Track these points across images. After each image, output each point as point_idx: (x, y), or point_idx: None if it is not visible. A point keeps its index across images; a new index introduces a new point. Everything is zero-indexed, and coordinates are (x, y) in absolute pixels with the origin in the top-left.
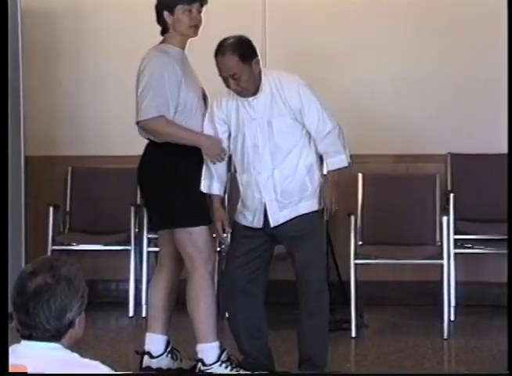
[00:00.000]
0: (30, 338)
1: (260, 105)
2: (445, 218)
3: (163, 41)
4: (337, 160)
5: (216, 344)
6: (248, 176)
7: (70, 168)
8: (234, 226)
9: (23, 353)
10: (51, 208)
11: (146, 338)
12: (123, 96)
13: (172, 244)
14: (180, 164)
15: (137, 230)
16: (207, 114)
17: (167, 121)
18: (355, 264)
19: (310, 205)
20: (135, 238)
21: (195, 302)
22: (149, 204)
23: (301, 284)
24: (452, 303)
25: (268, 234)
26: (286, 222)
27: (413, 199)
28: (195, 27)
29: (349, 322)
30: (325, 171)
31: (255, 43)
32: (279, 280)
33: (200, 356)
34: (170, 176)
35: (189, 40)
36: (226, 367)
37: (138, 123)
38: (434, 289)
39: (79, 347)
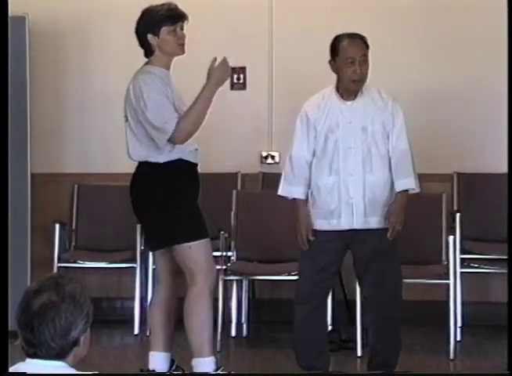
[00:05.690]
0: (35, 356)
1: (359, 109)
2: (451, 238)
3: (147, 63)
4: (406, 182)
5: (211, 359)
6: (335, 179)
7: (76, 186)
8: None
9: (28, 372)
10: (57, 226)
11: (149, 356)
12: None
13: (168, 258)
14: (174, 180)
15: (142, 248)
16: (298, 120)
17: (178, 122)
18: None
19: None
20: (141, 256)
21: (190, 317)
22: (145, 224)
23: (373, 298)
24: (459, 323)
25: (346, 243)
26: (369, 231)
27: (419, 218)
28: (182, 45)
29: (355, 341)
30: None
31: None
32: (286, 298)
33: (194, 370)
34: (165, 194)
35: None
36: None
37: (169, 140)
38: (440, 309)
39: (84, 365)
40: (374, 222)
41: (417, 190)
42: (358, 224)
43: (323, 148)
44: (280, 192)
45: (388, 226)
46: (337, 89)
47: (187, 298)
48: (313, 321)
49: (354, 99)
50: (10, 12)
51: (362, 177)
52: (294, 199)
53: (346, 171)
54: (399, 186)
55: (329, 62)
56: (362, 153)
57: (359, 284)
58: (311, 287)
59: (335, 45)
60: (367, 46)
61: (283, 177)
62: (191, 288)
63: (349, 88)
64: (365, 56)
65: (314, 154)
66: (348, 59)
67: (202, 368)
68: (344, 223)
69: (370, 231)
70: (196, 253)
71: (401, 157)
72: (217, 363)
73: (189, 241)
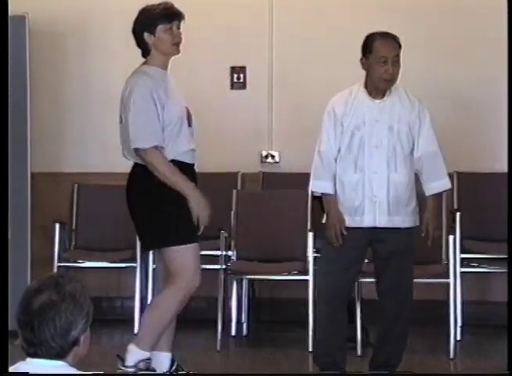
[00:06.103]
0: (35, 355)
1: (386, 108)
2: (451, 237)
3: (144, 63)
4: (441, 184)
5: (145, 354)
6: (360, 176)
7: (75, 185)
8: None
9: (28, 371)
10: (57, 225)
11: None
12: None
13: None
14: (166, 184)
15: None
16: (326, 115)
17: (161, 157)
18: (361, 282)
19: (413, 221)
20: (141, 255)
21: (151, 309)
22: (138, 225)
23: (389, 296)
24: (459, 323)
25: (369, 240)
26: (392, 230)
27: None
28: (177, 45)
29: (355, 340)
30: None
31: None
32: (286, 298)
33: (127, 353)
34: (157, 195)
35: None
36: None
37: (135, 150)
38: (441, 308)
39: (84, 364)
40: (399, 221)
41: (449, 187)
42: (381, 222)
43: (349, 145)
44: (311, 188)
45: (427, 229)
46: (366, 87)
47: (162, 292)
48: (337, 319)
49: (382, 98)
50: (10, 12)
51: (387, 175)
52: (323, 194)
53: (371, 169)
54: (433, 189)
55: (361, 60)
56: (388, 152)
57: (376, 281)
58: (338, 285)
59: (367, 44)
60: (399, 46)
61: (312, 173)
62: (169, 286)
63: (379, 86)
64: (398, 56)
65: (339, 150)
66: (381, 58)
67: (131, 355)
68: (366, 221)
69: (394, 230)
70: (183, 256)
71: (432, 160)
72: (149, 359)
73: (178, 244)
